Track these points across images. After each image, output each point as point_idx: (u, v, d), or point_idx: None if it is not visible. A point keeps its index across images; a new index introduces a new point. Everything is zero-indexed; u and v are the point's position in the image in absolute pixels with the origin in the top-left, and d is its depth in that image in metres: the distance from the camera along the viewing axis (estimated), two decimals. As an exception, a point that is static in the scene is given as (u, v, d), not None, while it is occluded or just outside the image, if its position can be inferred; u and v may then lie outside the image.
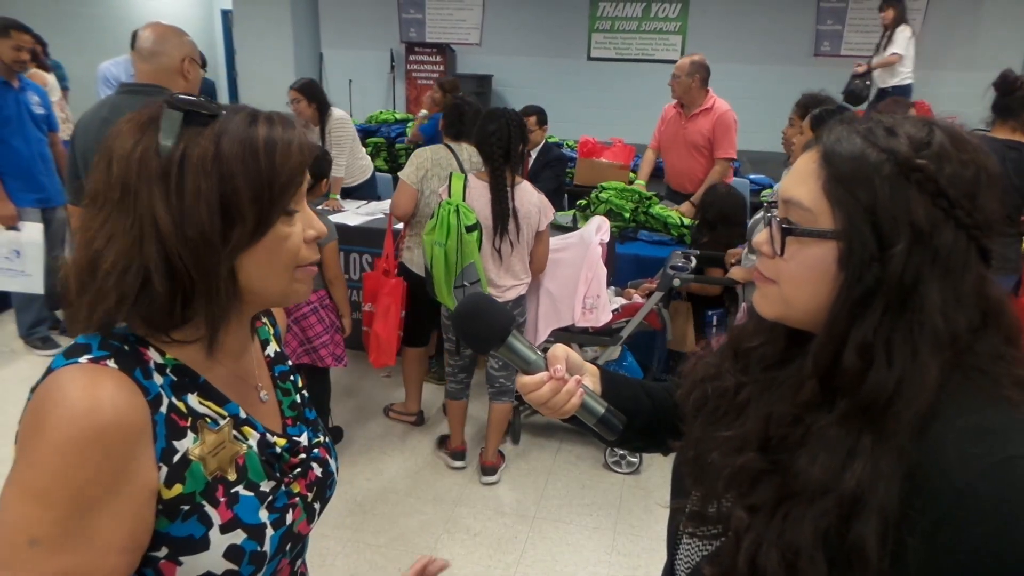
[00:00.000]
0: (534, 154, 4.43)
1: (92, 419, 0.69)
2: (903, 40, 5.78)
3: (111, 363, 0.73)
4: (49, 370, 0.73)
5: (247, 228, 0.75)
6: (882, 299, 0.66)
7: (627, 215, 3.97)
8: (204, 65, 2.48)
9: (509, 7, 8.68)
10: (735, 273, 3.05)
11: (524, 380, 0.87)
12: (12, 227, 3.72)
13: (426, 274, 2.87)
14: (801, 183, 0.72)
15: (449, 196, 2.72)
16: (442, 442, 3.23)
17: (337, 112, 4.33)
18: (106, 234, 0.73)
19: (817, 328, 0.73)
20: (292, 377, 0.99)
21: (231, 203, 0.74)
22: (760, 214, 2.91)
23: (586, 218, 4.10)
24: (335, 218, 3.66)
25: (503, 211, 2.71)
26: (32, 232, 3.74)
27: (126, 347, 0.76)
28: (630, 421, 0.94)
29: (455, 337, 2.90)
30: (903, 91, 5.70)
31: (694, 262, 3.26)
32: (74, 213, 2.39)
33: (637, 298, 3.24)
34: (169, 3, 10.73)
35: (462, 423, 3.12)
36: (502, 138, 2.68)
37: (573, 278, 2.88)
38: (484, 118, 2.77)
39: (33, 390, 0.73)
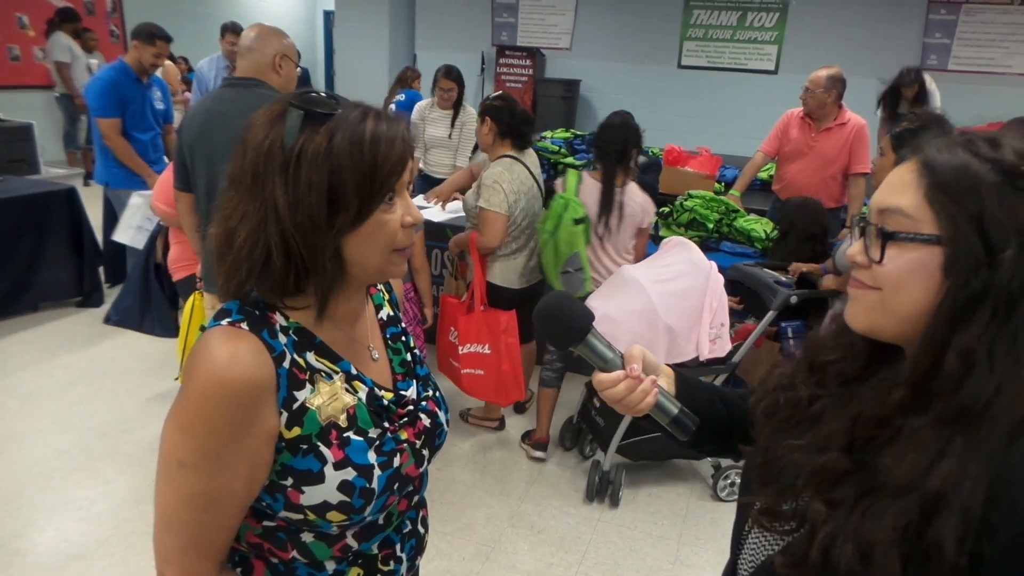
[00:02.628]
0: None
1: (227, 373, 0.83)
2: (935, 92, 5.42)
3: (244, 326, 0.87)
4: (203, 329, 0.89)
5: (350, 214, 0.85)
6: (989, 305, 0.66)
7: (711, 225, 3.93)
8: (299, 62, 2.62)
9: (600, 13, 8.68)
10: (827, 282, 2.99)
11: (601, 377, 0.91)
12: None
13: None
14: (900, 192, 0.72)
15: (563, 191, 2.96)
16: (526, 435, 3.30)
17: (470, 108, 4.51)
18: (239, 214, 0.86)
19: (905, 341, 0.73)
20: (403, 338, 1.11)
21: (338, 193, 0.84)
22: (847, 241, 2.84)
23: (667, 225, 4.08)
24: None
25: (608, 207, 2.94)
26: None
27: (257, 312, 0.89)
28: (703, 424, 0.96)
29: None
30: None
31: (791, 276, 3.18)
32: (180, 198, 2.53)
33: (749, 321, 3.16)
34: (277, 4, 11.31)
35: (550, 412, 3.18)
36: (617, 140, 2.92)
37: (695, 309, 2.67)
38: (606, 120, 3.00)
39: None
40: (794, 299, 2.87)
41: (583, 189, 2.98)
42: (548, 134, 6.16)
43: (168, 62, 7.31)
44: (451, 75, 4.43)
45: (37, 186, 4.38)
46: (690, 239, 3.94)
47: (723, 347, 2.72)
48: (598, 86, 8.69)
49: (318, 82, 12.11)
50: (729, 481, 2.99)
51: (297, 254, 0.85)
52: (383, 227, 0.88)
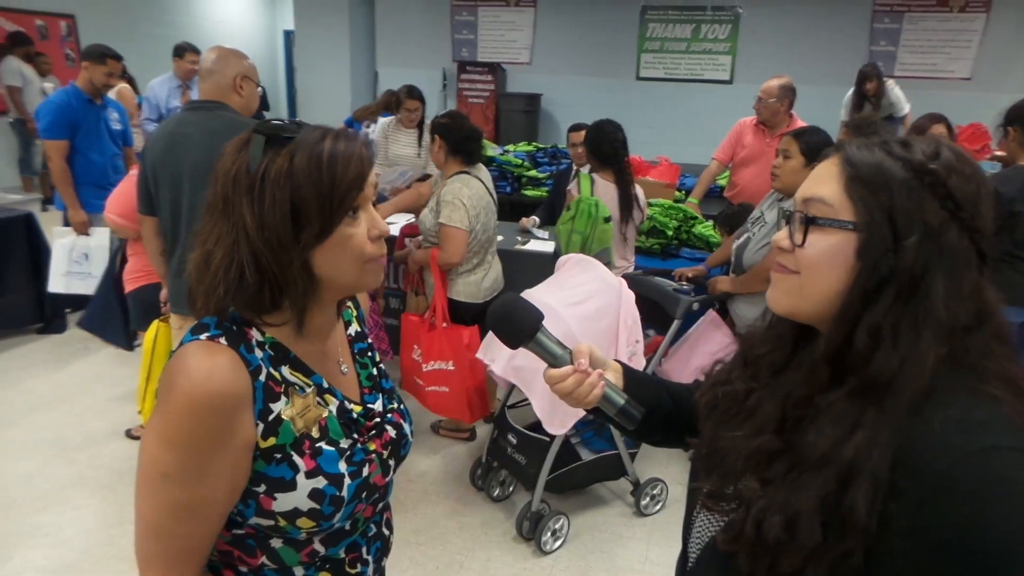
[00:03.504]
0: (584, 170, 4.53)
1: (206, 387, 0.87)
2: (899, 96, 5.72)
3: (223, 340, 0.91)
4: (181, 343, 0.92)
5: (315, 229, 0.89)
6: (894, 287, 0.73)
7: (670, 232, 4.03)
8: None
9: (559, 28, 8.84)
10: (722, 284, 3.02)
11: (551, 372, 0.97)
12: (83, 233, 4.01)
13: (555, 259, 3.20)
14: (823, 183, 0.80)
15: (579, 194, 3.22)
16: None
17: None
18: (215, 237, 0.91)
19: (822, 323, 0.80)
20: (369, 353, 1.16)
21: (300, 210, 0.89)
22: (743, 238, 2.93)
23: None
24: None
25: (628, 203, 3.29)
26: (100, 236, 4.01)
27: (234, 327, 0.93)
28: (650, 415, 1.03)
29: None
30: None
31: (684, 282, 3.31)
32: (145, 222, 2.52)
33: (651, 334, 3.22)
34: (236, 24, 11.26)
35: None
36: (621, 143, 3.32)
37: (611, 330, 2.55)
38: (609, 128, 3.32)
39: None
40: (696, 306, 2.91)
41: (597, 190, 3.25)
42: (511, 147, 6.25)
43: (125, 85, 7.26)
44: (414, 95, 4.50)
45: (-7, 212, 4.32)
46: (650, 246, 4.07)
47: (639, 364, 2.62)
48: (559, 99, 8.83)
49: (279, 102, 12.07)
50: (651, 494, 2.99)
51: (268, 270, 0.89)
52: (349, 240, 0.92)
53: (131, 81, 7.49)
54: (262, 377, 0.92)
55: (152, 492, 0.89)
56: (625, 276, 2.95)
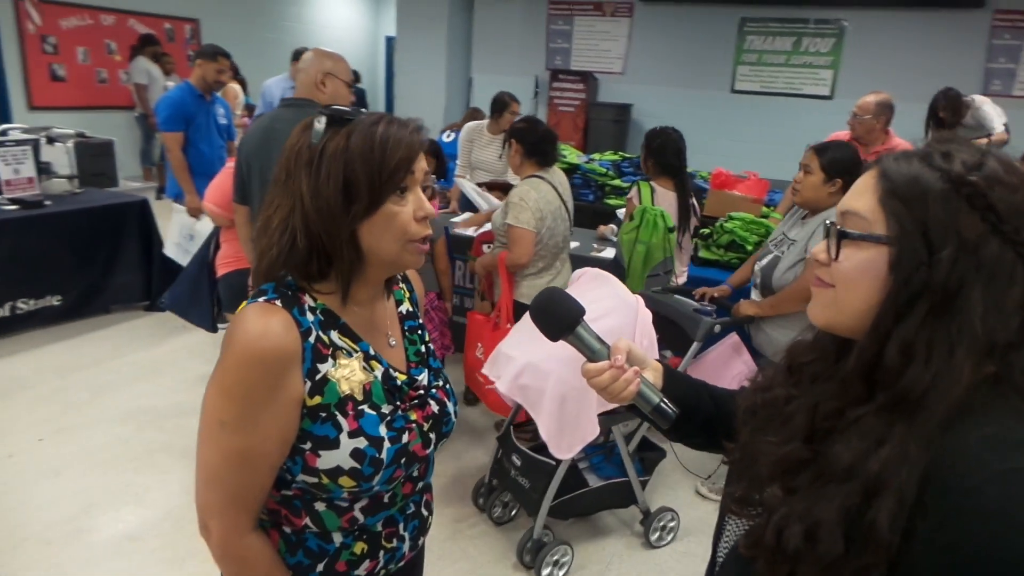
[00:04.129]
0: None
1: (260, 343, 0.95)
2: (987, 113, 5.22)
3: (278, 303, 0.99)
4: (243, 306, 1.01)
5: (363, 204, 0.98)
6: (927, 301, 0.71)
7: (750, 247, 3.94)
8: (355, 82, 2.78)
9: (654, 38, 8.77)
10: (746, 308, 2.85)
11: (588, 367, 1.00)
12: (194, 216, 4.36)
13: (615, 266, 3.32)
14: (859, 196, 0.79)
15: (639, 203, 3.29)
16: None
17: None
18: (275, 205, 1.01)
19: (858, 335, 0.79)
20: (420, 331, 1.23)
21: (351, 184, 0.97)
22: (767, 259, 2.80)
23: (707, 247, 4.12)
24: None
25: (687, 213, 3.36)
26: (207, 222, 4.31)
27: (289, 292, 1.02)
28: (690, 417, 1.04)
29: None
30: None
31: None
32: (238, 210, 2.71)
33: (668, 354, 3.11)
34: (343, 29, 11.81)
35: None
36: (683, 152, 3.38)
37: None
38: (662, 133, 3.38)
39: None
40: (718, 328, 2.75)
41: (657, 199, 3.31)
42: (597, 156, 6.26)
43: (234, 85, 7.75)
44: (516, 100, 4.68)
45: (115, 197, 4.73)
46: (729, 259, 4.00)
47: None
48: (650, 110, 8.75)
49: (378, 104, 12.54)
50: (662, 525, 2.80)
51: (317, 238, 0.98)
52: (394, 217, 1.00)
53: (242, 82, 8.01)
54: (311, 339, 0.99)
55: (210, 438, 0.97)
56: (643, 294, 2.66)
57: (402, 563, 1.19)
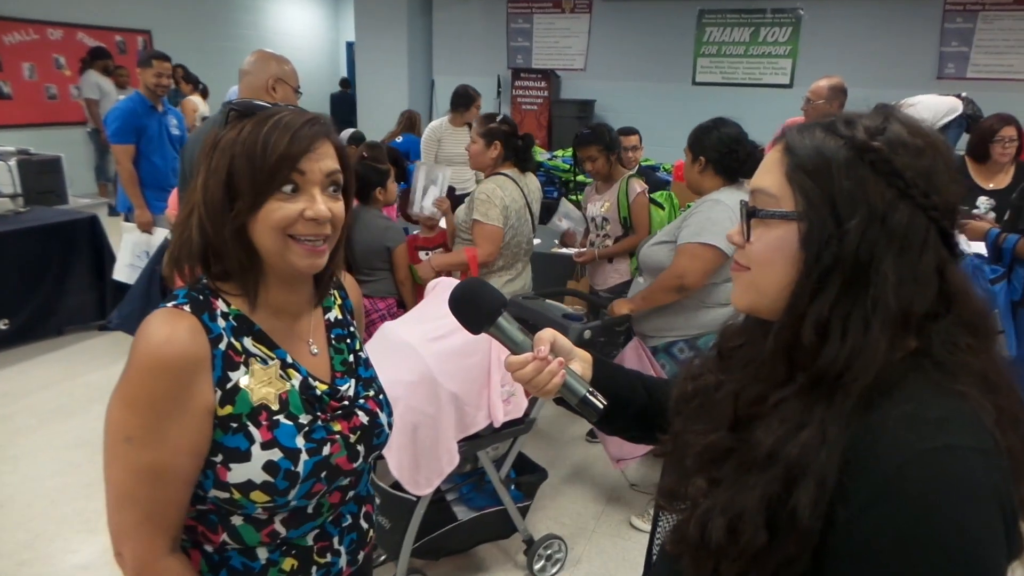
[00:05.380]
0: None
1: (163, 350, 0.89)
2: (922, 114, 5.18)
3: (187, 308, 0.94)
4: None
5: (246, 200, 0.92)
6: (839, 275, 0.68)
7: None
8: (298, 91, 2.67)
9: (614, 34, 8.78)
10: (619, 307, 2.68)
11: (510, 359, 0.95)
12: (147, 231, 4.23)
13: None
14: (767, 173, 0.76)
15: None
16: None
17: None
18: (186, 201, 0.97)
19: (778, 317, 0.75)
20: (349, 340, 1.16)
21: (233, 179, 0.92)
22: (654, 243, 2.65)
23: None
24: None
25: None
26: (161, 236, 4.20)
27: (201, 297, 0.96)
28: (623, 409, 0.99)
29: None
30: None
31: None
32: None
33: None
34: (301, 36, 11.65)
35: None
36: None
37: (481, 367, 2.13)
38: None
39: None
40: (588, 334, 2.47)
41: None
42: (560, 152, 6.24)
43: (194, 97, 7.60)
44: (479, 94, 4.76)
45: (62, 215, 4.58)
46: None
47: (519, 406, 2.23)
48: (613, 105, 8.75)
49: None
50: (546, 556, 2.58)
51: (207, 233, 0.94)
52: (273, 214, 0.93)
53: (204, 92, 7.87)
54: (222, 345, 0.94)
55: (117, 456, 0.91)
56: (510, 300, 2.31)
57: None
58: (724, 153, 2.48)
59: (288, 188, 0.93)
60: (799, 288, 0.71)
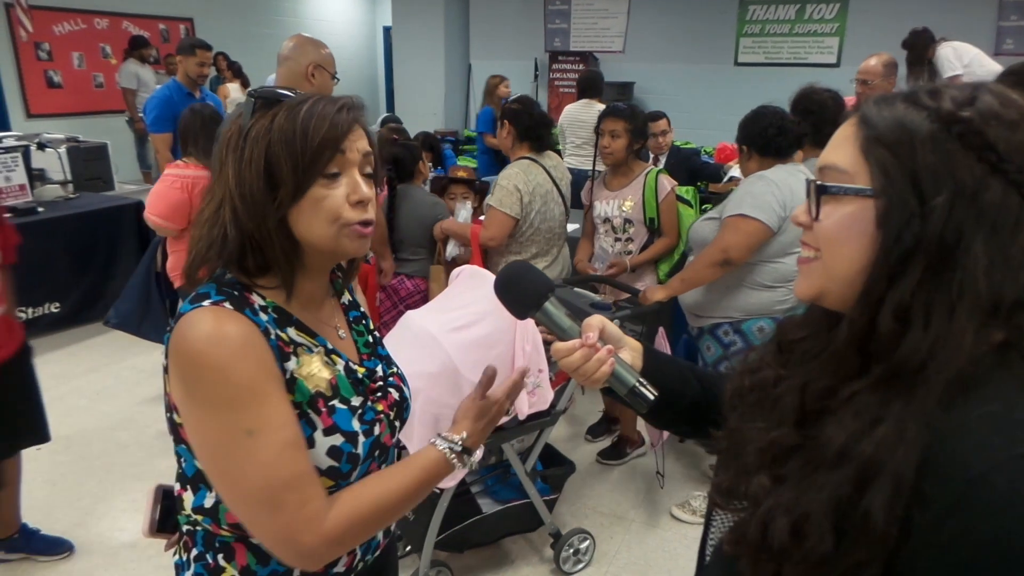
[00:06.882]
0: (662, 158, 4.44)
1: (231, 338, 0.86)
2: (948, 56, 4.92)
3: (227, 305, 0.90)
4: (179, 315, 0.91)
5: (288, 189, 0.89)
6: (922, 258, 0.62)
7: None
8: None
9: (654, 14, 8.59)
10: (654, 294, 2.60)
11: (557, 346, 0.92)
12: None
13: None
14: (838, 148, 0.70)
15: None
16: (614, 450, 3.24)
17: None
18: (208, 196, 0.94)
19: (849, 306, 0.70)
20: (364, 321, 1.17)
21: (273, 169, 0.89)
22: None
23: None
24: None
25: None
26: None
27: (235, 292, 0.93)
28: (674, 401, 0.95)
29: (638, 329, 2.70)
30: None
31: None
32: None
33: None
34: (339, 22, 11.70)
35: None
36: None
37: (504, 358, 2.04)
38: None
39: (167, 338, 0.91)
40: (616, 323, 2.39)
41: None
42: (597, 137, 6.15)
43: (233, 84, 7.69)
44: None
45: (109, 200, 4.70)
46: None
47: (544, 398, 2.16)
48: (652, 87, 8.59)
49: (379, 96, 12.46)
50: (573, 550, 2.53)
51: (246, 227, 0.90)
52: (323, 201, 0.91)
53: (244, 80, 7.95)
54: (272, 338, 0.92)
55: (247, 459, 0.86)
56: None
57: (378, 552, 1.13)
58: (764, 137, 2.54)
59: (332, 171, 0.91)
60: (876, 271, 0.65)
